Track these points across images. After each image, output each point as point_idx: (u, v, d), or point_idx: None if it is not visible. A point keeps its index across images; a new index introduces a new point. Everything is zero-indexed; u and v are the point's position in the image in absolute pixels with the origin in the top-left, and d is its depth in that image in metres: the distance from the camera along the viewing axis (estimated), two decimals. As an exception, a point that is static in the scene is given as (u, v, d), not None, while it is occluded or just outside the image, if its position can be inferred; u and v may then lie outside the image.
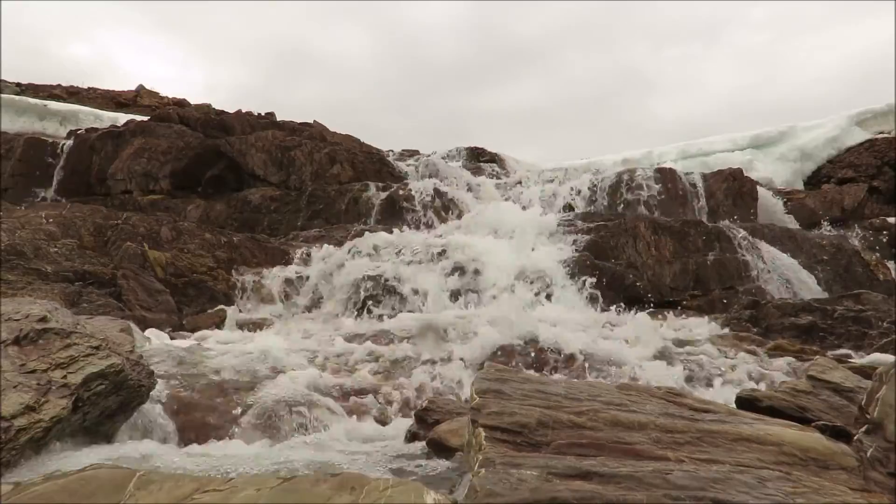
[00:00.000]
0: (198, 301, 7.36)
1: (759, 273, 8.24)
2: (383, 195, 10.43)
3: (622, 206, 10.78)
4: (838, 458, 2.07)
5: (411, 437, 3.59)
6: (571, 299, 7.34)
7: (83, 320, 3.45)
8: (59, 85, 20.49)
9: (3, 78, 19.15)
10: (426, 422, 3.63)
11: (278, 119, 13.90)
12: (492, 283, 7.47)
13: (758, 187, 11.84)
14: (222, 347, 5.31)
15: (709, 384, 4.72)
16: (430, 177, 11.72)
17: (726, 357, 5.26)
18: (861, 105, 16.23)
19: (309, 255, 8.32)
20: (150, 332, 5.69)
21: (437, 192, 10.56)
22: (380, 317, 7.06)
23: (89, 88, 21.06)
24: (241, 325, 6.71)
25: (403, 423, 3.99)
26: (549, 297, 7.33)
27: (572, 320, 6.19)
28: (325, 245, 8.56)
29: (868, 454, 2.03)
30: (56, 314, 3.25)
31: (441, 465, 2.98)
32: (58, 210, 8.99)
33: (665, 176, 11.26)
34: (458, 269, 7.70)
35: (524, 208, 10.27)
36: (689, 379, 4.77)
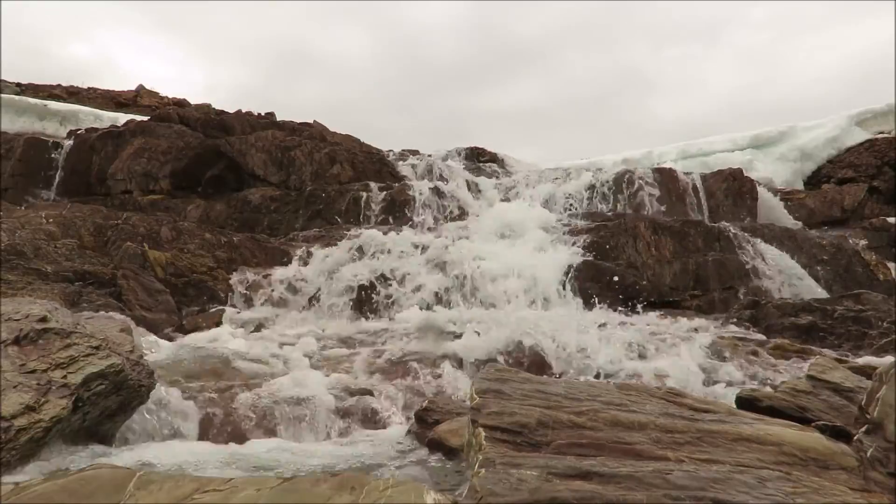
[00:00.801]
0: (198, 301, 7.36)
1: (759, 273, 8.24)
2: (383, 195, 10.42)
3: (622, 206, 10.78)
4: (838, 458, 2.07)
5: (411, 437, 3.59)
6: (571, 299, 7.34)
7: (83, 320, 3.46)
8: (59, 85, 20.49)
9: (3, 78, 19.14)
10: (426, 422, 3.63)
11: (278, 119, 13.89)
12: (491, 283, 7.47)
13: (758, 187, 11.84)
14: (222, 347, 5.30)
15: (709, 384, 4.72)
16: (430, 177, 11.72)
17: (726, 357, 5.26)
18: (861, 105, 16.24)
19: (309, 255, 8.32)
20: (150, 332, 5.69)
21: (437, 192, 10.56)
22: (379, 317, 7.07)
23: (89, 88, 21.06)
24: (240, 325, 6.71)
25: (403, 423, 4.00)
26: (548, 297, 7.33)
27: (572, 320, 6.19)
28: (325, 245, 8.56)
29: (868, 454, 2.03)
30: (56, 314, 3.25)
31: (441, 465, 2.98)
32: (58, 210, 8.99)
33: (665, 176, 11.25)
34: (459, 269, 7.70)
35: (531, 206, 10.27)
36: (688, 379, 4.77)
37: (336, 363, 5.06)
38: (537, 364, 5.04)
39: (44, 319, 3.14)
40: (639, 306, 7.16)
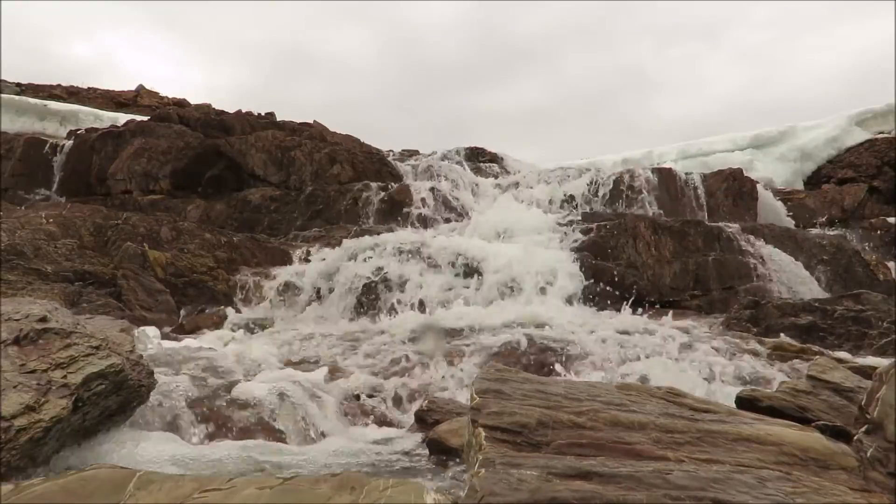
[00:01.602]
0: (198, 301, 7.36)
1: (759, 273, 8.24)
2: (383, 195, 10.42)
3: (622, 206, 10.78)
4: (838, 458, 2.07)
5: (411, 437, 3.59)
6: (571, 299, 7.34)
7: (83, 320, 3.46)
8: (59, 85, 20.49)
9: (3, 78, 19.14)
10: (426, 422, 3.64)
11: (278, 119, 13.88)
12: (492, 282, 7.47)
13: (758, 187, 11.84)
14: (222, 347, 5.31)
15: (709, 384, 4.72)
16: (430, 177, 11.72)
17: (726, 357, 5.26)
18: (861, 105, 16.24)
19: (309, 255, 8.32)
20: (150, 332, 5.68)
21: (437, 192, 10.56)
22: (379, 316, 7.07)
23: (89, 88, 21.05)
24: (240, 326, 6.71)
25: (403, 424, 4.00)
26: (548, 297, 7.32)
27: (571, 320, 6.19)
28: (325, 245, 8.56)
29: (868, 454, 2.03)
30: (56, 314, 3.25)
31: (441, 465, 2.98)
32: (58, 210, 8.99)
33: (665, 176, 11.25)
34: (459, 269, 7.70)
35: (531, 206, 10.28)
36: (689, 379, 4.77)
37: (336, 363, 5.06)
38: (537, 364, 5.04)
39: (44, 319, 3.14)
40: (639, 306, 7.16)
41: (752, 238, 8.82)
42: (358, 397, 4.36)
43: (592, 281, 7.54)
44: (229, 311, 7.15)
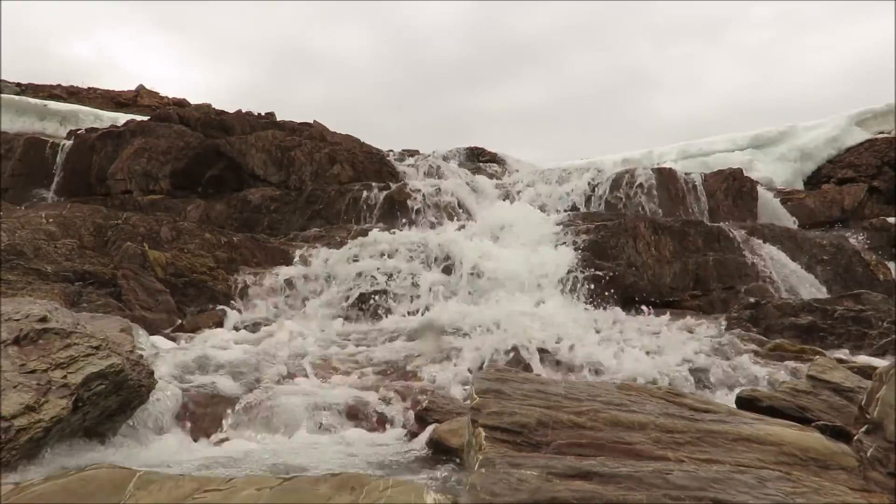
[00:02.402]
0: (198, 301, 7.36)
1: (759, 273, 8.24)
2: (383, 195, 10.42)
3: (622, 206, 10.78)
4: (838, 458, 2.07)
5: (411, 437, 3.59)
6: (571, 299, 7.34)
7: (83, 320, 3.46)
8: (59, 85, 20.48)
9: (3, 78, 19.14)
10: (426, 422, 3.64)
11: (278, 119, 13.89)
12: (492, 282, 7.47)
13: (758, 187, 11.85)
14: (222, 348, 5.30)
15: (709, 384, 4.72)
16: (431, 177, 11.71)
17: (726, 357, 5.26)
18: (861, 105, 16.25)
19: (309, 255, 8.32)
20: (150, 332, 5.69)
21: (437, 192, 10.56)
22: (380, 316, 7.07)
23: (89, 88, 21.05)
24: (240, 326, 6.71)
25: (403, 424, 4.00)
26: (548, 297, 7.33)
27: (572, 320, 6.19)
28: (325, 245, 8.56)
29: (868, 454, 2.03)
30: (56, 314, 3.25)
31: (441, 465, 2.98)
32: (58, 210, 8.98)
33: (665, 176, 11.25)
34: (458, 269, 7.70)
35: (531, 206, 10.28)
36: (688, 379, 4.77)
37: (336, 363, 5.06)
38: (538, 364, 5.04)
39: (44, 319, 3.14)
40: (639, 307, 7.17)
41: (752, 238, 8.83)
42: (357, 397, 4.36)
43: (592, 281, 7.53)
44: (229, 311, 7.14)
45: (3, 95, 15.30)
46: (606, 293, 7.44)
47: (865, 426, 2.12)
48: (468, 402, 2.41)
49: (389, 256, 7.98)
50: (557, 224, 9.07)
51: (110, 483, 1.89)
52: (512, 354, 5.13)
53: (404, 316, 6.99)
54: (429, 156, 14.21)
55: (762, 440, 2.16)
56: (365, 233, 8.73)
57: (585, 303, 7.27)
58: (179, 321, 6.71)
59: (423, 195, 10.36)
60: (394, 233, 8.72)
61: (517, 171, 14.26)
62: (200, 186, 11.44)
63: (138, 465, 2.73)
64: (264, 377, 4.48)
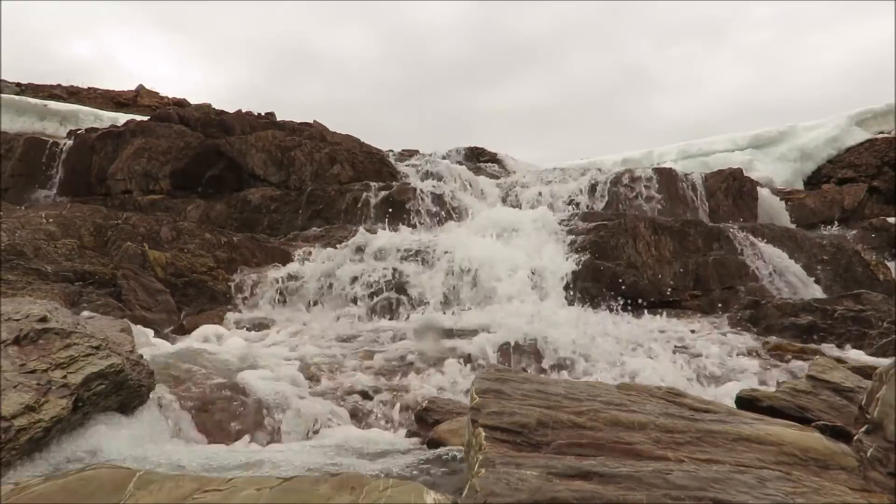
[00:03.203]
0: (198, 301, 7.36)
1: (759, 273, 8.24)
2: (383, 195, 10.42)
3: (622, 206, 10.78)
4: (838, 458, 2.07)
5: (411, 436, 3.59)
6: (571, 299, 7.34)
7: (83, 320, 3.46)
8: (59, 85, 20.47)
9: (3, 78, 19.13)
10: (426, 422, 3.64)
11: (278, 119, 13.88)
12: (491, 283, 7.47)
13: (758, 187, 11.84)
14: (222, 348, 5.30)
15: (709, 384, 4.72)
16: (430, 177, 11.72)
17: (726, 357, 5.26)
18: (861, 105, 16.25)
19: (309, 255, 8.32)
20: (150, 332, 5.69)
21: (437, 192, 10.56)
22: (379, 317, 7.07)
23: (89, 88, 21.04)
24: (240, 326, 6.71)
25: (403, 424, 4.00)
26: (548, 297, 7.33)
27: (572, 320, 6.19)
28: (325, 245, 8.56)
29: (868, 454, 2.03)
30: (56, 314, 3.25)
31: (441, 465, 2.98)
32: (58, 210, 8.98)
33: (665, 176, 11.26)
34: (458, 270, 7.70)
35: (530, 207, 10.28)
36: (689, 379, 4.77)
37: (336, 363, 5.06)
38: (536, 364, 5.04)
39: (44, 319, 3.14)
40: (639, 307, 7.17)
41: (752, 238, 8.83)
42: (357, 397, 4.36)
43: (592, 281, 7.53)
44: (229, 311, 7.15)
45: (3, 95, 15.29)
46: (606, 293, 7.44)
47: (865, 426, 2.12)
48: (468, 402, 2.41)
49: (389, 257, 7.98)
50: (557, 224, 9.07)
51: (110, 483, 1.89)
52: (512, 354, 5.13)
53: (404, 316, 6.99)
54: (429, 156, 14.21)
55: (762, 440, 2.16)
56: (365, 233, 8.73)
57: (585, 303, 7.27)
58: (179, 321, 6.71)
59: (423, 195, 10.36)
60: (393, 233, 8.72)
61: (517, 171, 14.26)
62: (200, 186, 11.44)
63: (138, 465, 2.72)
64: (263, 378, 4.48)
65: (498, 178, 12.90)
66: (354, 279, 7.59)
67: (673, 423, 2.24)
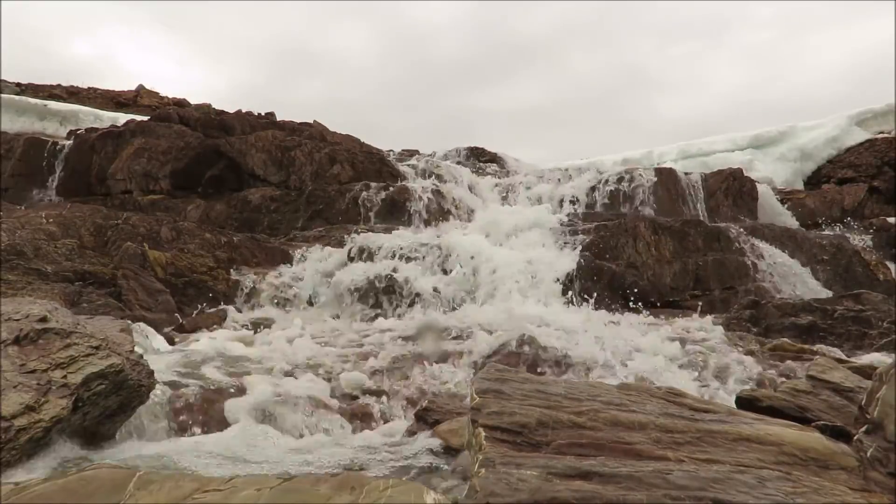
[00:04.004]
0: (198, 301, 7.36)
1: (759, 273, 8.24)
2: (383, 195, 10.42)
3: (622, 206, 10.78)
4: (838, 458, 2.07)
5: (411, 437, 3.59)
6: (571, 299, 7.34)
7: (83, 320, 3.46)
8: (59, 85, 20.48)
9: (3, 78, 19.13)
10: (426, 422, 3.64)
11: (278, 119, 13.89)
12: (491, 283, 7.47)
13: (758, 187, 11.84)
14: (222, 347, 5.30)
15: (709, 384, 4.72)
16: (430, 176, 11.72)
17: (726, 357, 5.26)
18: (861, 105, 16.24)
19: (309, 255, 8.32)
20: (150, 332, 5.69)
21: (437, 192, 10.56)
22: (379, 317, 7.06)
23: (89, 88, 21.05)
24: (240, 326, 6.71)
25: (403, 424, 4.00)
26: (548, 297, 7.33)
27: (572, 320, 6.19)
28: (325, 245, 8.56)
29: (868, 454, 2.03)
30: (56, 314, 3.25)
31: (441, 465, 2.98)
32: (58, 210, 8.99)
33: (665, 176, 11.25)
34: (458, 269, 7.70)
35: (531, 206, 10.28)
36: (689, 379, 4.77)
37: (336, 363, 5.06)
38: (536, 364, 5.04)
39: (44, 319, 3.14)
40: (639, 306, 7.16)
41: (752, 238, 8.83)
42: (357, 397, 4.36)
43: (592, 281, 7.53)
44: (229, 310, 7.15)
45: (3, 95, 15.29)
46: (606, 293, 7.44)
47: (865, 426, 2.12)
48: (468, 402, 2.41)
49: (389, 257, 7.98)
50: (557, 224, 9.07)
51: (110, 483, 1.89)
52: (512, 354, 5.13)
53: (404, 316, 6.99)
54: (429, 156, 14.20)
55: (762, 440, 2.16)
56: (364, 233, 8.73)
57: (585, 303, 7.27)
58: (179, 321, 6.71)
59: (423, 195, 10.37)
60: (393, 233, 8.72)
61: (517, 171, 14.25)
62: (200, 186, 11.44)
63: (138, 464, 2.73)
64: (263, 377, 4.48)
65: (498, 178, 12.89)
66: (353, 279, 7.59)
67: (673, 423, 2.24)
